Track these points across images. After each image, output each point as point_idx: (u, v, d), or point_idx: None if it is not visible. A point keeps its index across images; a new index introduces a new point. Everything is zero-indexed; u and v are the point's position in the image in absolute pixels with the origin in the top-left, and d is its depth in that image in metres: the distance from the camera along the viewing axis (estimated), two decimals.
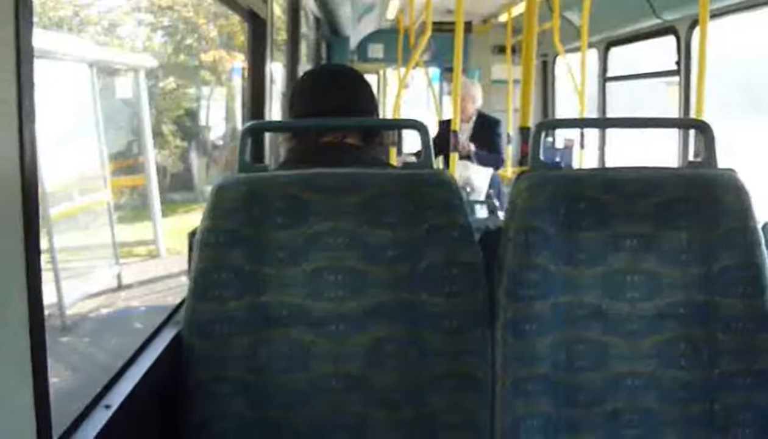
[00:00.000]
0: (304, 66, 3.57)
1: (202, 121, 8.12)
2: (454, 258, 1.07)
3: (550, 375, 1.09)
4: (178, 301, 1.23)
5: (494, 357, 1.10)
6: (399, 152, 3.71)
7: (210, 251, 1.05)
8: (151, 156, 6.29)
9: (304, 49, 3.47)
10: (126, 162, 6.72)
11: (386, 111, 5.87)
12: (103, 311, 4.85)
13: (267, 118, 1.83)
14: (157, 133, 7.07)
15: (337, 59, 4.69)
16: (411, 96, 6.94)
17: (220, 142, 8.03)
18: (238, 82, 7.72)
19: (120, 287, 5.22)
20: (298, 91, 1.42)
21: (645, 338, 1.11)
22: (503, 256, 1.12)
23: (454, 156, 2.96)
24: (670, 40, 3.29)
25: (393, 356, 1.07)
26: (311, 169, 1.12)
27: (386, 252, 1.06)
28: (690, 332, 1.10)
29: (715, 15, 2.67)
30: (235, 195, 1.06)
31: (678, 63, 3.21)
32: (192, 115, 7.89)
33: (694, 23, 2.95)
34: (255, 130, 1.25)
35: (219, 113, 8.30)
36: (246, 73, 1.83)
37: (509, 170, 4.53)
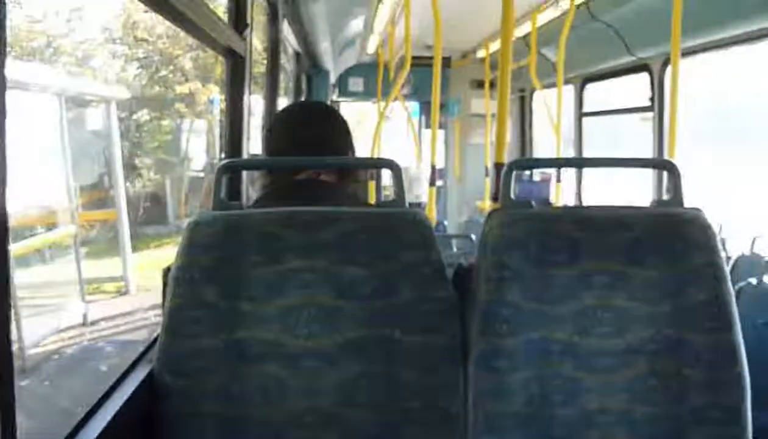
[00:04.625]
0: (284, 100, 3.63)
1: (177, 154, 8.12)
2: (427, 295, 1.10)
3: (522, 411, 1.12)
4: (148, 343, 1.24)
5: (467, 393, 1.12)
6: (378, 187, 3.77)
7: (184, 287, 1.07)
8: (122, 189, 6.25)
9: (284, 83, 3.53)
10: (96, 195, 6.67)
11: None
12: (66, 352, 4.74)
13: (245, 153, 1.86)
14: (131, 166, 7.06)
15: (317, 93, 4.77)
16: (390, 130, 7.05)
17: (195, 176, 8.02)
18: (213, 115, 7.76)
19: (85, 325, 5.11)
20: (274, 128, 1.46)
21: (616, 373, 1.14)
22: (475, 292, 1.16)
23: (432, 190, 3.02)
24: (645, 77, 3.43)
25: (367, 392, 1.09)
26: (286, 205, 1.15)
27: (360, 289, 1.09)
28: (660, 367, 1.14)
29: (686, 53, 2.80)
30: (210, 232, 1.09)
31: (652, 99, 3.34)
32: (166, 147, 7.90)
33: (667, 61, 3.08)
34: (230, 169, 1.29)
35: (194, 146, 8.32)
36: (224, 110, 1.86)
37: (487, 203, 4.61)
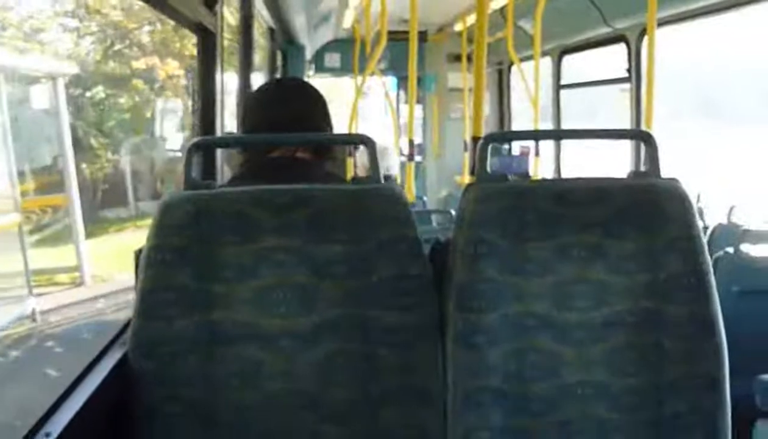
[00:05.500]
0: (259, 77, 3.64)
1: (146, 133, 8.00)
2: (404, 272, 1.13)
3: (500, 386, 1.16)
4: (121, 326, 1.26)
5: (445, 370, 1.16)
6: (355, 165, 3.84)
7: (156, 269, 1.10)
8: (72, 172, 6.10)
9: (258, 59, 3.54)
10: (48, 179, 6.54)
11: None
12: (10, 353, 4.66)
13: (218, 132, 1.89)
14: (86, 147, 6.94)
15: (293, 69, 4.78)
16: (365, 108, 7.10)
17: (159, 156, 7.94)
18: (174, 91, 7.67)
19: (34, 321, 5.03)
20: (250, 106, 1.50)
21: (594, 346, 1.17)
22: (452, 268, 1.19)
23: (410, 165, 3.10)
24: (623, 48, 3.54)
25: (344, 372, 1.12)
26: (261, 184, 1.18)
27: (336, 267, 1.12)
28: (638, 339, 1.18)
29: (662, 23, 2.91)
30: (181, 213, 1.11)
31: (629, 70, 3.46)
32: (125, 126, 7.78)
33: (644, 31, 3.19)
34: (201, 147, 1.32)
35: (157, 124, 8.22)
36: (196, 87, 1.90)
37: (466, 178, 4.72)
